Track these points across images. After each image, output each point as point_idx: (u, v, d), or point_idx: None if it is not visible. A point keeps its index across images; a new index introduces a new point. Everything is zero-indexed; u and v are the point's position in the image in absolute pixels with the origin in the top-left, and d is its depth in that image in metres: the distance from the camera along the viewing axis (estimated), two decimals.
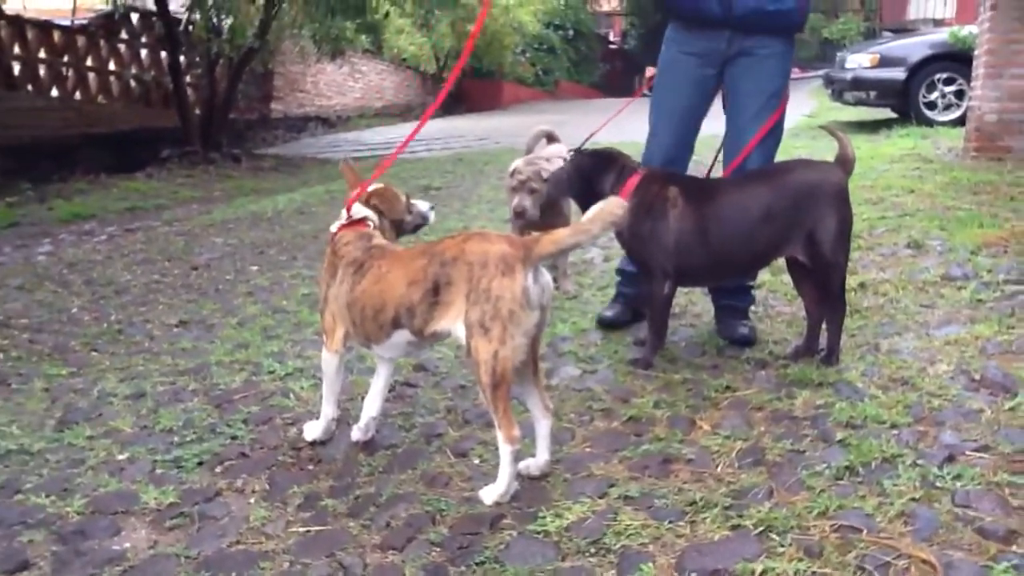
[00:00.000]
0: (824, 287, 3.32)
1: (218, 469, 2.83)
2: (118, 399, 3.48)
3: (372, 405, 2.96)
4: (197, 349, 4.07)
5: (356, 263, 2.72)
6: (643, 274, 3.43)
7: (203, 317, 4.64)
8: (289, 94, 16.57)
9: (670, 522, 2.31)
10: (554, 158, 4.42)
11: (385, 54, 20.87)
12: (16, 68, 10.85)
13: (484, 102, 22.46)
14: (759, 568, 2.06)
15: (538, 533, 2.30)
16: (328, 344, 2.82)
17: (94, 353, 4.15)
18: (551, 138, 5.17)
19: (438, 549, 2.27)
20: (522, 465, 2.61)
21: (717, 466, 2.62)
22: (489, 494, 2.50)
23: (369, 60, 19.80)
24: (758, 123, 3.59)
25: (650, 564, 2.12)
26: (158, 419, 3.23)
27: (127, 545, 2.40)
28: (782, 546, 2.15)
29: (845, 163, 3.32)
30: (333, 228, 2.90)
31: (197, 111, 12.84)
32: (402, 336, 2.66)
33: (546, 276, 2.53)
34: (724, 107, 3.76)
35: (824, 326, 3.40)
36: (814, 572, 2.04)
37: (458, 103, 22.26)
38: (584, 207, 3.27)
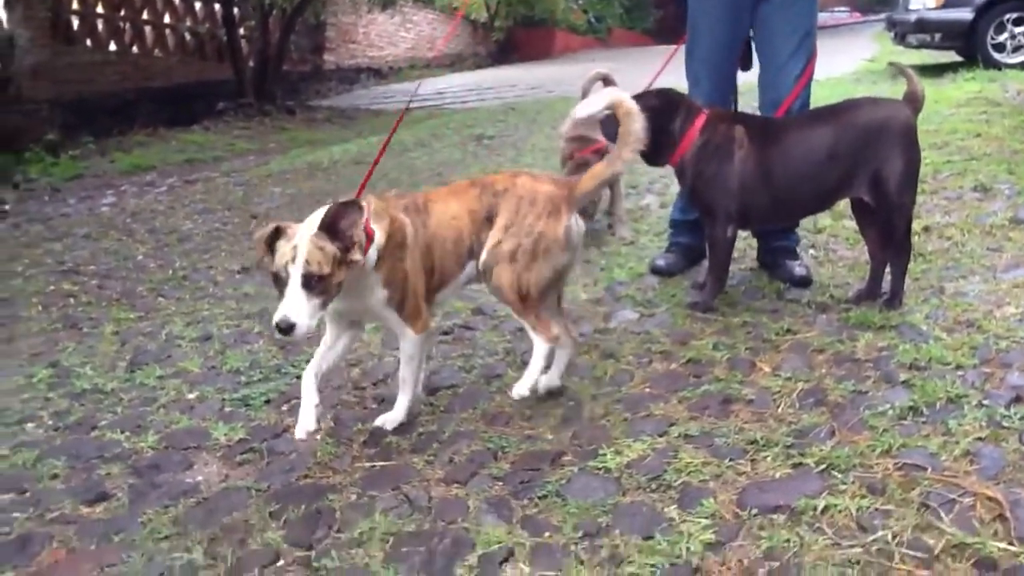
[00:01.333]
0: (889, 229, 3.26)
1: (284, 407, 2.91)
2: (186, 341, 3.58)
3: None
4: (260, 294, 4.15)
5: (411, 211, 2.60)
6: (705, 216, 3.40)
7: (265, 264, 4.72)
8: (341, 45, 16.57)
9: (731, 460, 2.31)
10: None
11: (436, 3, 20.72)
12: (75, 23, 11.00)
13: (535, 51, 22.22)
14: (821, 504, 2.06)
15: (599, 469, 2.32)
16: (416, 327, 2.58)
17: (160, 298, 4.26)
18: (607, 81, 5.12)
19: (500, 483, 2.31)
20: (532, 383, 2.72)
21: (778, 407, 2.61)
22: (521, 387, 2.65)
23: (420, 9, 19.69)
24: (797, 62, 3.58)
25: (711, 499, 2.13)
26: (225, 360, 3.32)
27: (199, 478, 2.49)
28: (844, 484, 2.15)
29: (913, 101, 3.23)
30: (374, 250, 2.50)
31: (251, 63, 12.94)
32: (471, 268, 2.71)
33: (580, 219, 2.71)
34: (755, 46, 3.74)
35: (888, 269, 3.34)
36: (877, 509, 2.04)
37: (509, 52, 22.09)
38: (651, 150, 3.25)
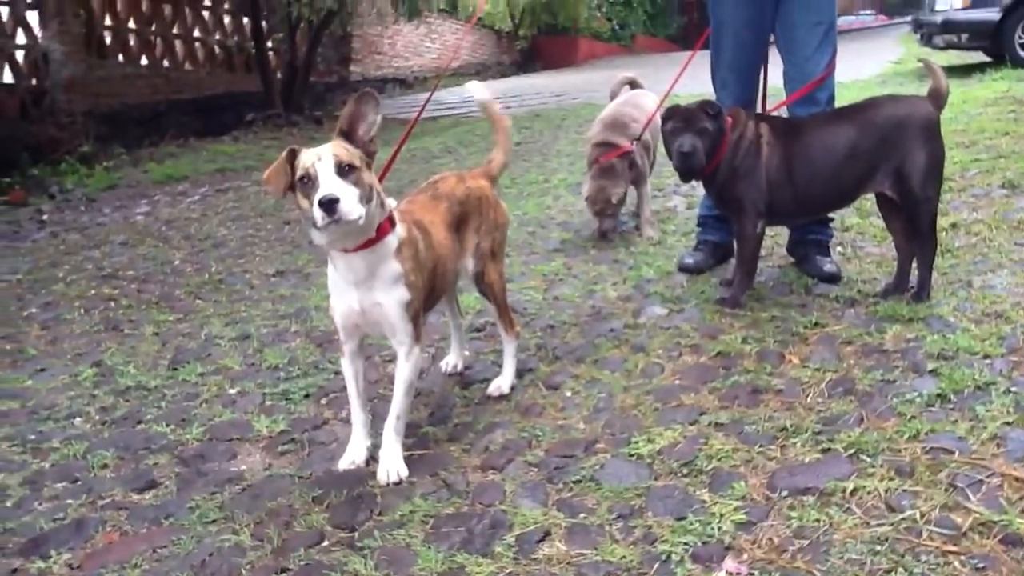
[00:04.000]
0: (914, 223, 3.29)
1: (323, 401, 2.99)
2: (225, 341, 3.67)
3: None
4: (295, 296, 4.25)
5: (420, 230, 2.54)
6: (733, 213, 3.45)
7: (299, 267, 4.83)
8: (367, 56, 16.73)
9: (760, 446, 2.36)
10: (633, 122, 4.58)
11: (461, 14, 20.86)
12: (108, 38, 11.21)
13: (558, 59, 22.29)
14: (850, 486, 2.11)
15: (631, 456, 2.38)
16: (419, 341, 2.49)
17: (198, 301, 4.37)
18: (634, 84, 5.22)
19: (535, 469, 2.37)
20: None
21: (807, 396, 2.66)
22: (503, 384, 2.90)
23: (444, 20, 19.83)
24: (823, 54, 3.65)
25: (742, 483, 2.18)
26: (264, 358, 3.41)
27: (244, 467, 2.57)
28: (873, 467, 2.19)
29: (937, 96, 3.27)
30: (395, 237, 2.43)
31: (279, 75, 13.10)
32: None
33: None
34: (777, 45, 3.79)
35: (915, 263, 3.37)
36: (905, 490, 2.08)
37: (533, 61, 22.19)
38: (709, 158, 3.35)
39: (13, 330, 4.12)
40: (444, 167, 7.86)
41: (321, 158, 2.18)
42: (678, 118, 3.42)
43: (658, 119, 4.12)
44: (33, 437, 2.89)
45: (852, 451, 2.27)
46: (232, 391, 3.13)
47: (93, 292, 4.66)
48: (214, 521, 2.27)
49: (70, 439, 2.83)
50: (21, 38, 9.79)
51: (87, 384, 3.34)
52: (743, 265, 3.47)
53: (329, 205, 2.12)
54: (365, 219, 2.21)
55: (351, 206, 2.15)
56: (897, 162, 3.22)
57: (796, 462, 2.28)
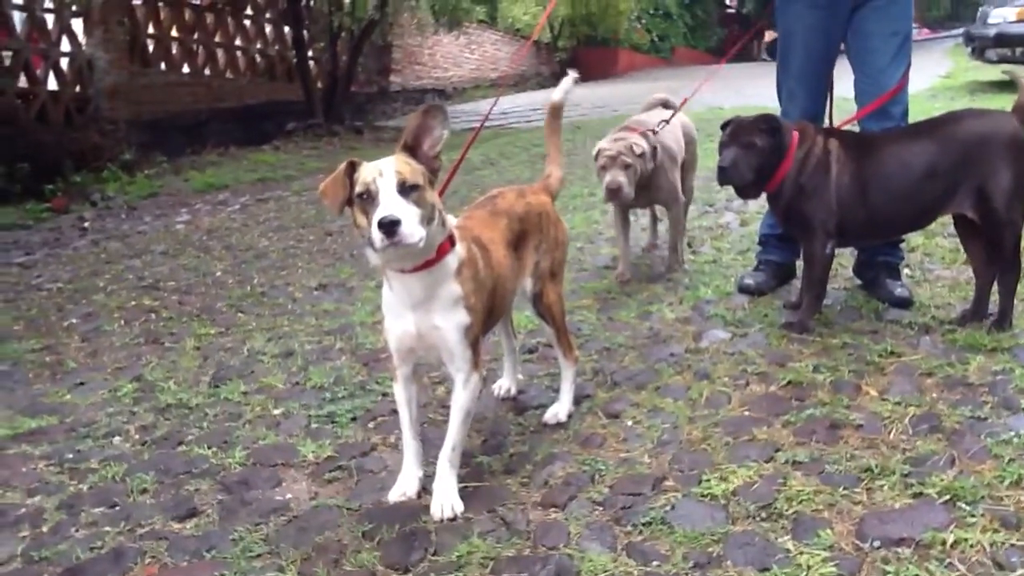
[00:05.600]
0: (996, 247, 3.10)
1: (371, 425, 2.85)
2: (268, 357, 3.56)
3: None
4: (339, 310, 4.13)
5: (479, 247, 2.39)
6: (801, 234, 3.27)
7: (342, 280, 4.71)
8: (407, 67, 16.72)
9: (845, 488, 2.19)
10: (650, 122, 4.19)
11: (500, 24, 20.82)
12: (151, 46, 11.24)
13: (599, 70, 22.13)
14: (949, 538, 1.93)
15: (704, 496, 2.22)
16: (478, 368, 2.34)
17: (240, 314, 4.26)
18: (667, 105, 4.97)
19: (600, 508, 2.21)
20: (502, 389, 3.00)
21: (889, 432, 2.48)
22: (561, 412, 2.76)
23: (484, 31, 19.81)
24: (898, 66, 3.47)
25: (828, 530, 2.01)
26: (308, 376, 3.28)
27: (289, 496, 2.44)
28: (972, 516, 2.01)
29: (1022, 112, 3.07)
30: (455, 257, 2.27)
31: (319, 84, 13.09)
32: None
33: None
34: (849, 55, 3.61)
35: (995, 288, 3.18)
36: (1013, 545, 1.90)
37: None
38: (755, 181, 3.18)
39: (53, 341, 4.04)
40: (485, 179, 7.76)
41: (383, 174, 2.04)
42: (729, 130, 3.28)
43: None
44: (71, 456, 2.78)
45: (947, 497, 2.09)
46: (276, 412, 3.01)
47: (134, 303, 4.57)
48: (259, 556, 2.13)
49: (109, 460, 2.72)
50: (66, 46, 9.83)
51: (127, 400, 3.23)
52: (811, 288, 3.29)
53: (389, 227, 1.97)
54: (426, 241, 2.06)
55: (412, 228, 2.00)
56: (979, 181, 3.03)
57: (885, 508, 2.10)
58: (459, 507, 2.24)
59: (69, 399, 3.31)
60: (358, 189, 2.07)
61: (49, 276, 5.37)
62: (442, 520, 2.21)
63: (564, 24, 21.58)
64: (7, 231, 6.94)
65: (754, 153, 3.19)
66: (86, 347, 3.93)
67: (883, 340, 3.13)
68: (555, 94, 2.92)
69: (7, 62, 9.12)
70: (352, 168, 2.12)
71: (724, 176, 3.26)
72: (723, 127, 3.37)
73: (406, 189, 2.04)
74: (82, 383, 3.47)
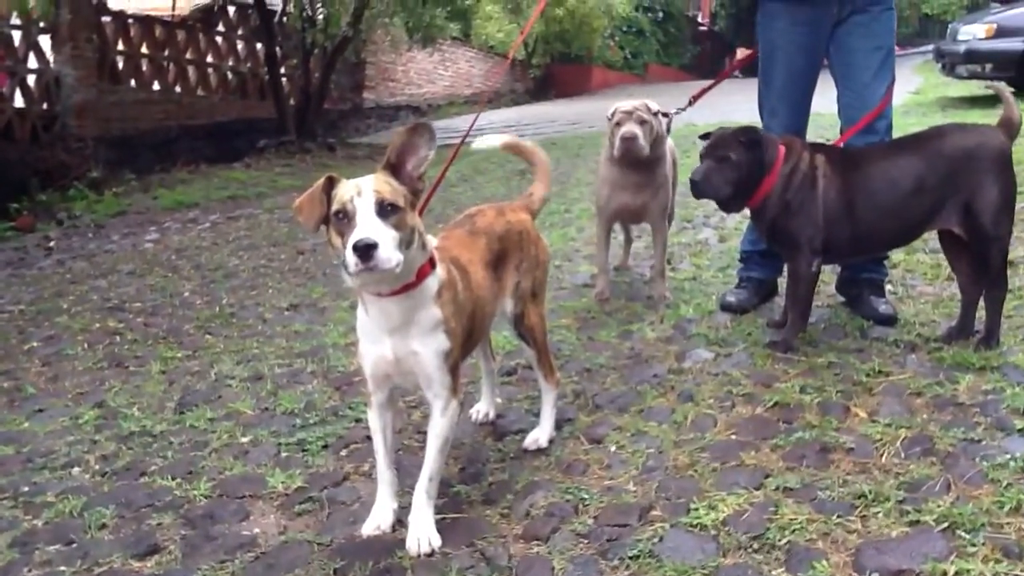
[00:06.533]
0: (983, 263, 3.05)
1: (343, 452, 2.74)
2: (236, 381, 3.43)
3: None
4: (311, 332, 4.01)
5: (457, 268, 2.29)
6: (786, 251, 3.20)
7: (313, 300, 4.59)
8: (380, 83, 16.64)
9: (838, 516, 2.10)
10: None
11: (474, 42, 20.82)
12: (120, 62, 11.07)
13: (572, 87, 22.23)
14: (951, 570, 1.84)
15: (693, 526, 2.12)
16: (457, 393, 2.24)
17: (208, 336, 4.13)
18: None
19: (585, 541, 2.11)
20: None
21: (881, 456, 2.39)
22: (542, 437, 2.65)
23: (458, 47, 19.78)
24: (882, 81, 3.43)
25: (823, 562, 1.92)
26: (278, 401, 3.16)
27: (257, 530, 2.31)
28: (973, 545, 1.92)
29: (1009, 126, 3.03)
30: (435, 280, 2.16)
31: (292, 101, 12.96)
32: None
33: None
34: (833, 71, 3.57)
35: (982, 305, 3.12)
36: (1016, 575, 1.81)
37: (547, 89, 22.11)
38: (735, 194, 3.11)
39: (12, 365, 3.89)
40: (461, 196, 7.66)
41: (362, 193, 1.93)
42: (708, 142, 3.21)
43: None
44: (27, 489, 2.64)
45: (945, 525, 2.01)
46: (244, 440, 2.88)
47: (98, 325, 4.42)
48: None
49: (67, 493, 2.58)
50: (33, 62, 9.66)
51: (88, 428, 3.10)
52: (796, 306, 3.21)
53: (365, 251, 1.85)
54: (403, 266, 1.95)
55: (389, 252, 1.88)
56: (967, 197, 2.97)
57: (881, 536, 2.01)
58: (436, 541, 2.13)
59: (27, 427, 3.17)
60: (335, 207, 1.96)
61: (11, 298, 5.21)
62: (419, 555, 2.10)
63: (538, 41, 21.60)
64: None
65: (729, 167, 3.12)
66: (47, 371, 3.78)
67: (870, 359, 3.06)
68: (489, 145, 2.85)
69: None
70: (330, 184, 2.01)
71: (696, 189, 3.21)
72: (703, 138, 3.30)
73: (385, 210, 1.93)
74: (41, 410, 3.33)
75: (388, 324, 2.10)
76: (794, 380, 2.94)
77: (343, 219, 1.94)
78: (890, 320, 3.40)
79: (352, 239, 1.87)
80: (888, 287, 3.79)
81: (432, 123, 2.16)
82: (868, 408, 2.69)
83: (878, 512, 2.11)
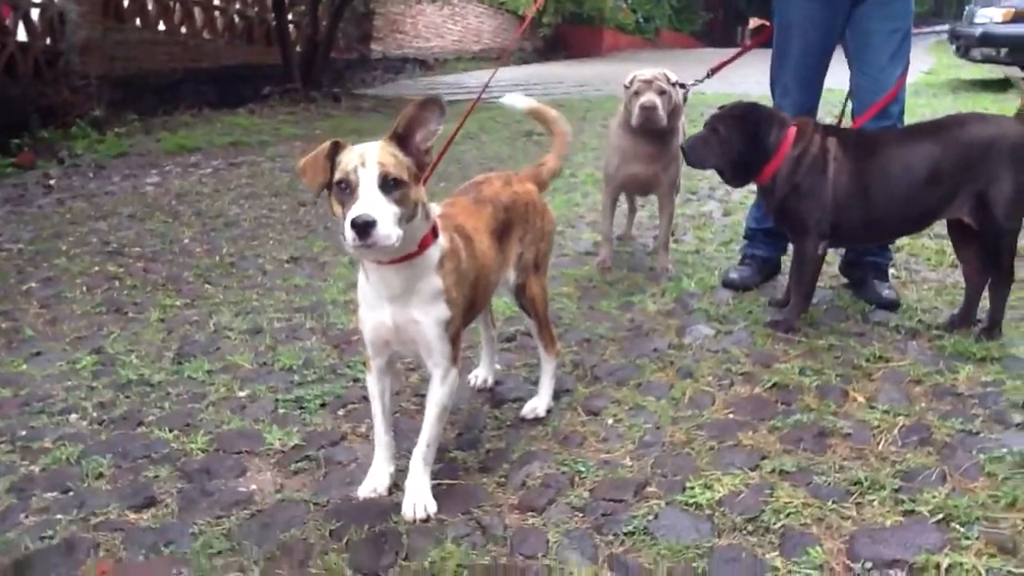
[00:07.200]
0: (992, 254, 3.04)
1: (341, 412, 2.74)
2: (235, 333, 3.42)
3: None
4: (311, 287, 3.99)
5: (461, 236, 2.25)
6: (793, 232, 3.19)
7: (314, 254, 4.57)
8: (388, 35, 16.44)
9: (833, 502, 2.11)
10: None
11: None
12: (125, 1, 10.91)
13: (582, 48, 21.99)
14: (944, 562, 1.86)
15: (688, 505, 2.13)
16: (456, 362, 2.23)
17: (207, 285, 4.11)
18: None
19: (580, 514, 2.12)
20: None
21: (878, 443, 2.40)
22: (540, 407, 2.66)
23: (468, 3, 19.52)
24: (897, 64, 3.38)
25: (817, 548, 1.93)
26: (277, 356, 3.15)
27: (253, 487, 2.32)
28: (967, 538, 1.94)
29: None
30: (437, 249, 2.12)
31: (298, 49, 12.80)
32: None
33: None
34: (847, 52, 3.52)
35: (986, 295, 3.11)
36: (1010, 571, 1.83)
37: (556, 49, 21.87)
38: (738, 168, 3.09)
39: (11, 306, 3.87)
40: (465, 154, 7.60)
41: (366, 163, 1.89)
42: (716, 112, 3.22)
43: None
44: (24, 433, 2.64)
45: (940, 516, 2.02)
46: (242, 394, 2.88)
47: (97, 269, 4.39)
48: (220, 553, 2.01)
49: (64, 439, 2.58)
50: None
51: (85, 374, 3.09)
52: (800, 288, 3.20)
53: (363, 227, 1.82)
54: (403, 241, 1.92)
55: (388, 229, 1.85)
56: (980, 187, 2.95)
57: (876, 524, 2.02)
58: (432, 507, 2.14)
59: (25, 370, 3.15)
60: (337, 176, 1.92)
61: (9, 235, 5.16)
62: (414, 521, 2.11)
63: (549, 0, 21.32)
64: None
65: (717, 139, 3.13)
66: (45, 314, 3.76)
67: (870, 344, 3.06)
68: (518, 105, 2.84)
69: None
70: (335, 149, 1.97)
71: (684, 156, 3.28)
72: (719, 108, 3.28)
73: (388, 184, 1.89)
74: (39, 353, 3.31)
75: (388, 292, 2.09)
76: (794, 361, 2.94)
77: (345, 189, 1.91)
78: (892, 305, 3.40)
79: (351, 214, 1.84)
80: (891, 271, 3.78)
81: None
82: (867, 393, 2.70)
83: (873, 500, 2.12)
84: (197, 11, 12.11)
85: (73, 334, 3.50)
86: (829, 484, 2.19)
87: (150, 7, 11.32)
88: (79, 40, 9.75)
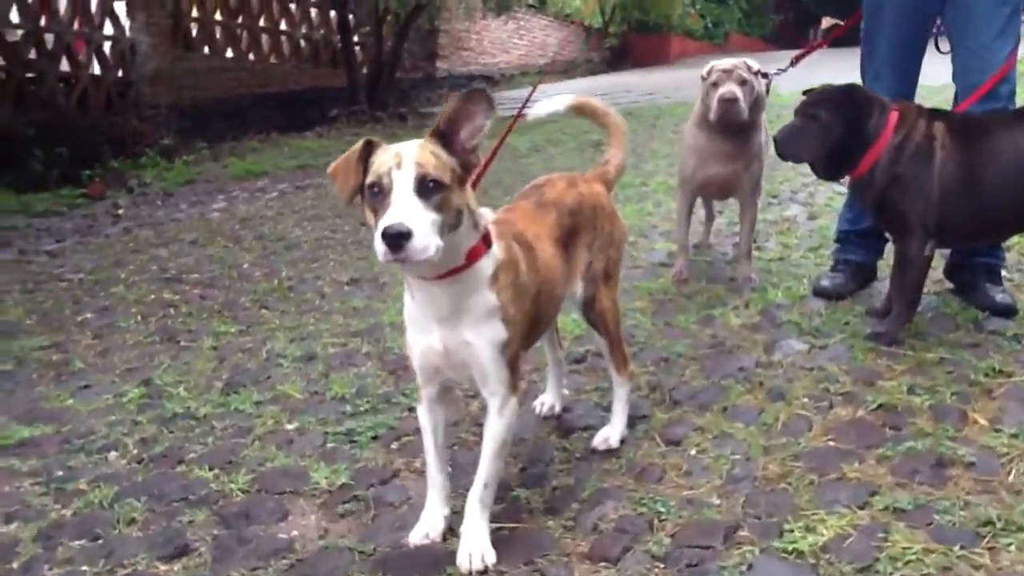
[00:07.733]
0: None
1: (394, 445, 2.51)
2: (288, 361, 3.23)
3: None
4: (369, 308, 3.79)
5: (521, 246, 2.01)
6: (895, 231, 2.85)
7: (374, 275, 4.37)
8: (453, 52, 16.38)
9: (961, 547, 1.79)
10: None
11: (549, 9, 20.34)
12: (194, 30, 11.04)
13: (650, 56, 21.60)
14: None
15: (788, 552, 1.83)
16: (516, 390, 1.96)
17: (264, 310, 3.95)
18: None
19: (661, 565, 1.83)
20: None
21: (1008, 473, 2.07)
22: (612, 436, 2.38)
23: (533, 16, 19.37)
24: (1005, 42, 3.01)
25: None
26: (329, 385, 2.95)
27: (295, 533, 2.10)
28: None
29: None
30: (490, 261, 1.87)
31: (364, 70, 12.80)
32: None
33: None
34: (948, 31, 3.17)
35: None
36: None
37: (623, 59, 21.57)
38: (834, 159, 2.77)
39: (64, 337, 3.76)
40: (531, 167, 7.37)
41: (401, 165, 1.65)
42: (803, 99, 2.89)
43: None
44: (60, 474, 2.49)
45: None
46: (290, 427, 2.68)
47: (153, 297, 4.28)
48: None
49: (99, 480, 2.41)
50: (109, 29, 9.67)
51: (131, 407, 2.93)
52: (904, 294, 2.86)
53: (395, 239, 1.57)
54: (445, 253, 1.67)
55: (425, 240, 1.61)
56: None
57: (1015, 574, 1.69)
58: (491, 557, 1.88)
59: (71, 404, 3.02)
60: (370, 178, 1.69)
61: (73, 266, 5.11)
62: (470, 573, 1.86)
63: (616, 9, 21.03)
64: (41, 217, 6.75)
65: (817, 127, 2.80)
66: (97, 345, 3.64)
67: (987, 356, 2.71)
68: (555, 109, 2.55)
69: (49, 45, 8.98)
70: (368, 150, 1.75)
71: (778, 149, 2.94)
72: (805, 93, 2.97)
73: (426, 188, 1.65)
74: (87, 386, 3.18)
75: (436, 312, 1.85)
76: (900, 378, 2.60)
77: (378, 194, 1.67)
78: (1009, 311, 3.02)
79: (383, 223, 1.60)
80: (1004, 273, 3.39)
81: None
82: (989, 414, 2.35)
83: (1010, 544, 1.79)
84: (264, 37, 12.21)
85: (123, 365, 3.37)
86: (954, 525, 1.87)
87: (218, 35, 11.44)
88: (149, 70, 9.89)
